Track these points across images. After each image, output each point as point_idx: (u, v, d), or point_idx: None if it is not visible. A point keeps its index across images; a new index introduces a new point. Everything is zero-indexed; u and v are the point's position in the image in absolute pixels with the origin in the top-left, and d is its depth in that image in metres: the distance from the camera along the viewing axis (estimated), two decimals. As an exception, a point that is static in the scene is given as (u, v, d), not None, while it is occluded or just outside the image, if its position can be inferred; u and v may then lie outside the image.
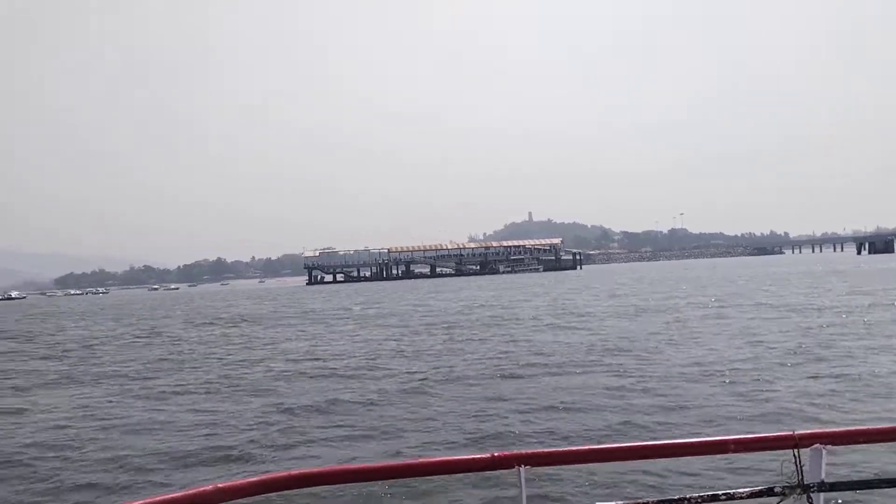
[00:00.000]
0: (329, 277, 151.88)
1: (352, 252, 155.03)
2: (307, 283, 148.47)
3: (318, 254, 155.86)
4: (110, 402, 14.82)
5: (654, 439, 8.56)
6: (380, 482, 7.12)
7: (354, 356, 20.40)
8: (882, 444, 2.85)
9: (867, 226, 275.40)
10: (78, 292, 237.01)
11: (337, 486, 6.02)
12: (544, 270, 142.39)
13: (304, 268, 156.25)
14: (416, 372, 16.52)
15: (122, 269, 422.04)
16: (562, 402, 12.27)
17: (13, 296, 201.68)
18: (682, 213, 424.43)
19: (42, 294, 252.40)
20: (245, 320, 40.89)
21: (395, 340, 24.48)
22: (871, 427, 2.68)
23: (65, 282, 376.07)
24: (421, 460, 2.50)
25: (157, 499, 1.92)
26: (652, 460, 6.73)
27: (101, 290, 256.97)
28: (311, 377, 16.74)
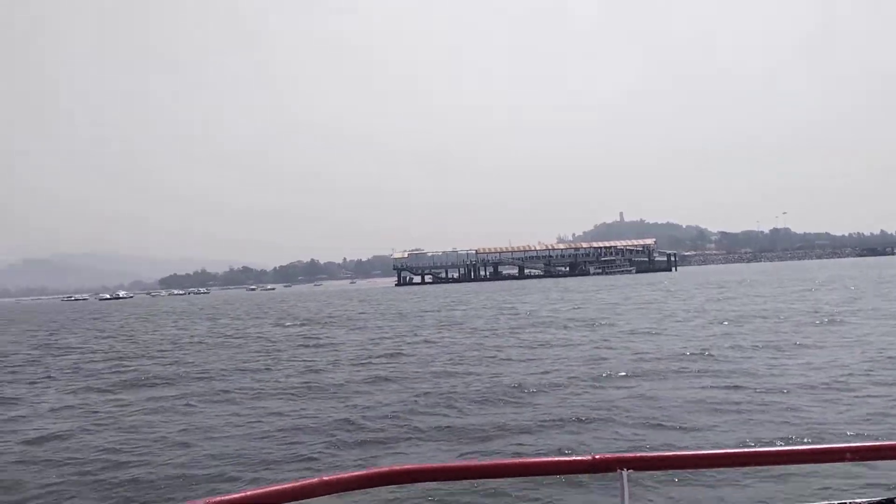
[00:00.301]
0: (417, 278, 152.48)
1: (440, 253, 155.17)
2: (396, 284, 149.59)
3: (406, 255, 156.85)
4: (189, 403, 14.55)
5: (765, 445, 8.30)
6: (477, 481, 6.95)
7: (439, 358, 19.58)
8: None
9: None
10: (181, 292, 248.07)
11: (436, 483, 6.46)
12: (637, 272, 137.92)
13: (394, 269, 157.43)
14: (506, 375, 15.52)
15: (223, 271, 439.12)
16: (662, 414, 11.14)
17: (121, 295, 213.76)
18: (784, 213, 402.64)
19: (147, 294, 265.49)
20: (331, 321, 40.91)
21: (479, 342, 23.54)
22: None
23: (169, 282, 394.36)
24: (520, 461, 2.53)
25: (267, 489, 2.05)
26: (762, 467, 6.70)
27: (202, 290, 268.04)
28: (390, 380, 16.04)
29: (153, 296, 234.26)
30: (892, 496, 2.38)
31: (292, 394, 15.16)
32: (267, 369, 19.63)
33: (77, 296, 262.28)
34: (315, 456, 9.93)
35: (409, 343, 25.25)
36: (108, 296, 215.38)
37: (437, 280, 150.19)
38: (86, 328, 48.88)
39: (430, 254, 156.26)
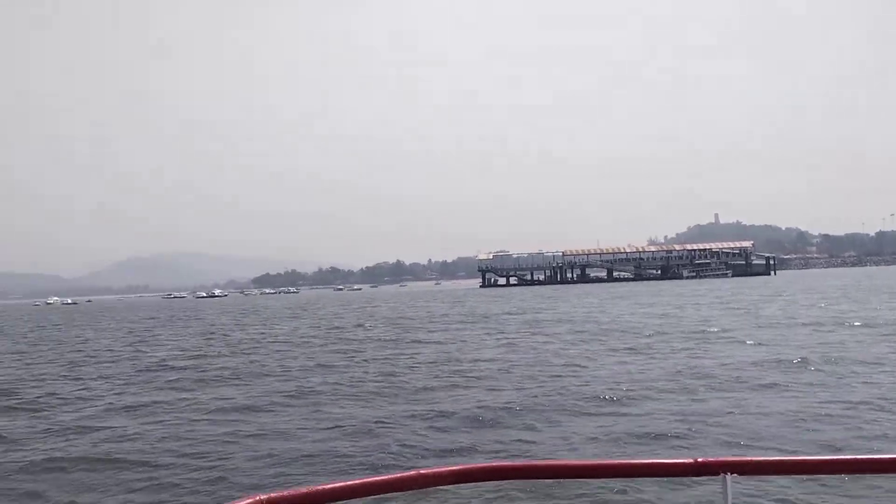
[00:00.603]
0: (502, 280, 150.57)
1: (525, 255, 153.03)
2: (480, 286, 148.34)
3: (491, 256, 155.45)
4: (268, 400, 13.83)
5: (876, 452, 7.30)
6: (574, 480, 6.84)
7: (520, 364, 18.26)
8: None
9: None
10: (272, 291, 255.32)
11: (531, 480, 6.63)
12: (733, 276, 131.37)
13: (478, 270, 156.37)
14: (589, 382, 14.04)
15: (312, 271, 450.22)
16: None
17: (216, 293, 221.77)
18: (892, 214, 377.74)
19: (241, 292, 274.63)
20: (411, 321, 40.17)
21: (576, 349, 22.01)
22: None
23: (261, 281, 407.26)
24: (620, 461, 2.52)
25: (366, 480, 2.12)
26: (876, 475, 6.16)
27: (292, 289, 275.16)
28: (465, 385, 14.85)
29: (246, 294, 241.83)
30: None
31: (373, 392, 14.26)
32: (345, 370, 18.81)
33: (176, 293, 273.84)
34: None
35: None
36: (204, 294, 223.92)
37: (523, 282, 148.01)
38: (179, 325, 50.04)
39: (515, 255, 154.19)
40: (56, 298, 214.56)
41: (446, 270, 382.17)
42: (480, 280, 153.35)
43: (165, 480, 8.96)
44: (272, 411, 13.43)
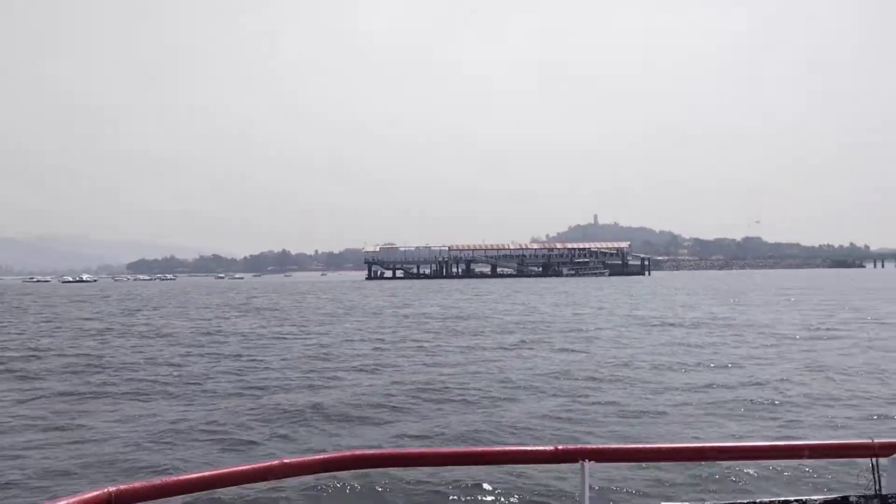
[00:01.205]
0: (389, 273, 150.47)
1: (412, 248, 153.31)
2: (367, 278, 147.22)
3: (378, 249, 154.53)
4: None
5: (726, 440, 8.39)
6: (440, 468, 6.90)
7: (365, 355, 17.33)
8: None
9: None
10: (147, 278, 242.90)
11: (398, 468, 6.76)
12: (610, 275, 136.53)
13: (365, 262, 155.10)
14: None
15: (193, 258, 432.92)
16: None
17: (85, 278, 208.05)
18: (757, 222, 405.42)
19: (112, 278, 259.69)
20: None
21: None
22: None
23: (137, 267, 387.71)
24: (483, 449, 2.59)
25: (226, 470, 2.07)
26: (724, 462, 7.03)
27: (168, 276, 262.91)
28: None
29: (117, 280, 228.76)
30: (847, 493, 2.41)
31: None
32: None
33: (40, 277, 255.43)
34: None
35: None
36: (70, 279, 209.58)
37: (409, 276, 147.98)
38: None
39: (402, 248, 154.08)
40: None
41: (333, 261, 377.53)
42: (367, 272, 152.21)
43: None
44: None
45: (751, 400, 11.83)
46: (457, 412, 11.39)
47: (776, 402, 11.70)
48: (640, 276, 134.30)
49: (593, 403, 11.84)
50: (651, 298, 49.77)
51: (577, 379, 14.45)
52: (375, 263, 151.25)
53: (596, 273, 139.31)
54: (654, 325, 27.20)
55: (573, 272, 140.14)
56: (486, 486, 7.28)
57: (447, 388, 13.45)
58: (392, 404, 12.00)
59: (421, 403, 12.08)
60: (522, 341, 21.95)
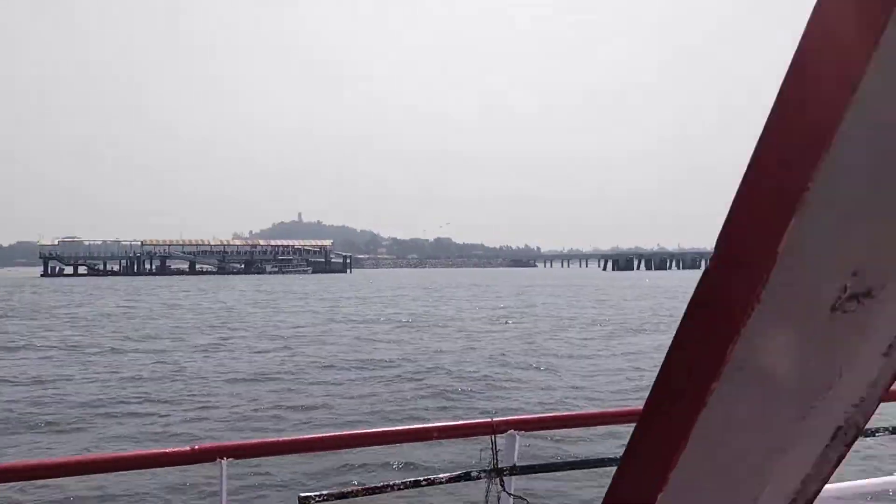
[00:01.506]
0: (70, 269, 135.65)
1: (99, 242, 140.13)
2: (42, 275, 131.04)
3: (57, 243, 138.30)
4: None
5: (348, 428, 9.02)
6: (70, 478, 6.15)
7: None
8: (572, 428, 3.55)
9: (605, 245, 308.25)
10: None
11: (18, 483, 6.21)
12: (313, 272, 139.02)
13: (40, 257, 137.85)
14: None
15: None
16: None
17: None
18: (447, 223, 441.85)
19: None
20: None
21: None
22: (558, 414, 3.15)
23: None
24: (111, 455, 2.63)
25: None
26: (366, 448, 7.15)
27: None
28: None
29: None
30: (471, 469, 2.68)
31: None
32: None
33: None
34: None
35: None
36: None
37: (94, 272, 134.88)
38: None
39: (87, 242, 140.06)
40: None
41: (2, 256, 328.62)
42: (43, 268, 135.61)
43: None
44: None
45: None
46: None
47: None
48: (343, 274, 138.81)
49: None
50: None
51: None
52: (54, 259, 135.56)
53: (300, 270, 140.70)
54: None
55: (276, 269, 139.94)
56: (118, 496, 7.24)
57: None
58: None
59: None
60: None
